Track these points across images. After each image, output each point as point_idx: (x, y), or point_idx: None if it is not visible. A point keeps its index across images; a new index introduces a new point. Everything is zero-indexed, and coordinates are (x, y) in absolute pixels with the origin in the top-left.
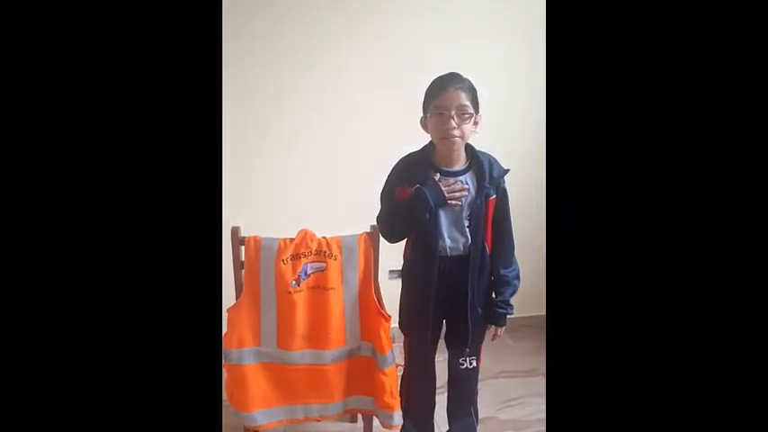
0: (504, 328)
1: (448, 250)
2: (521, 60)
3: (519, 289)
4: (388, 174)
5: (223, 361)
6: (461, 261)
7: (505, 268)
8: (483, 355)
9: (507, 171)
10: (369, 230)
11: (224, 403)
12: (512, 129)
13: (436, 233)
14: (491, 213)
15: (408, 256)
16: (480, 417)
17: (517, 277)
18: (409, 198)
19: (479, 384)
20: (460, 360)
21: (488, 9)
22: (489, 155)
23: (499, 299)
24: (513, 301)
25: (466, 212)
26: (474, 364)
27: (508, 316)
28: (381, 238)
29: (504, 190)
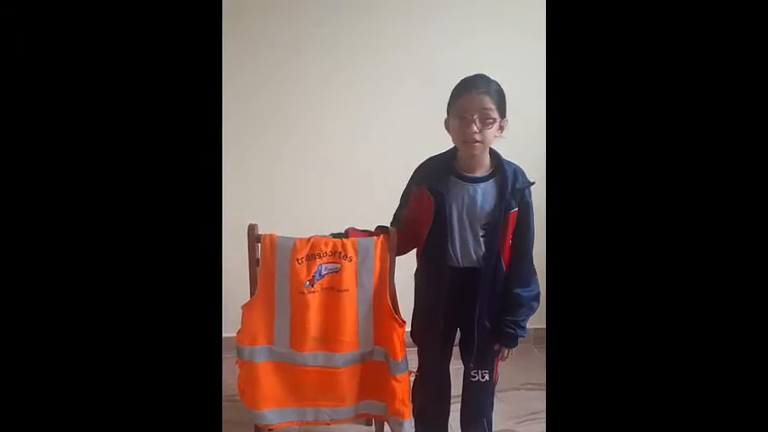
0: (513, 349)
1: (460, 260)
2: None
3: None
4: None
5: (236, 358)
6: (474, 272)
7: (522, 287)
8: (507, 365)
9: (532, 183)
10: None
11: (236, 399)
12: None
13: (444, 244)
14: (511, 227)
15: (418, 264)
16: (496, 429)
17: (535, 299)
18: None
19: (500, 395)
20: (471, 373)
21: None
22: (516, 165)
23: (510, 318)
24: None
25: (482, 222)
26: (486, 377)
27: (520, 338)
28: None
29: (528, 204)
